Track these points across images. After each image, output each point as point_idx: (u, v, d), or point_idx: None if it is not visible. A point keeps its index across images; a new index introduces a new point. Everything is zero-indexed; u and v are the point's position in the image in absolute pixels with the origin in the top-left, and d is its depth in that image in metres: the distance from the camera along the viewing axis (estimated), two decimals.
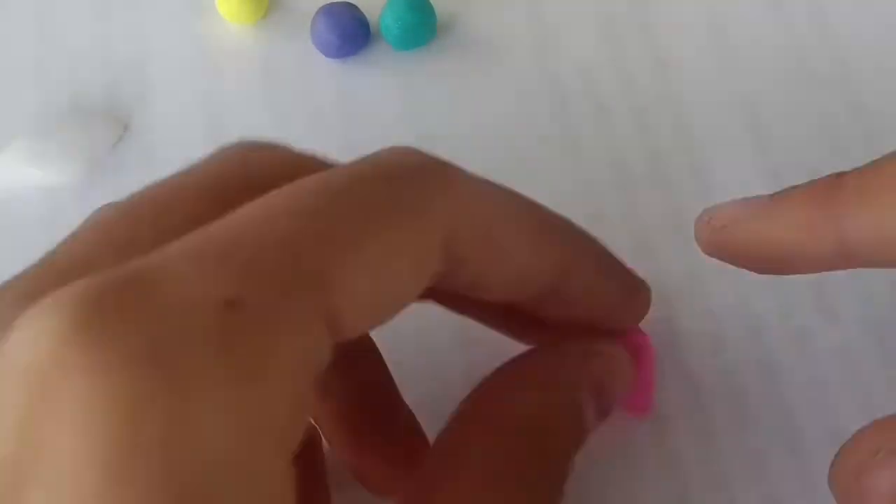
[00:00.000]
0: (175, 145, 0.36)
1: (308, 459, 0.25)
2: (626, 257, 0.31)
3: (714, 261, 0.28)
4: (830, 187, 0.24)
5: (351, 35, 0.36)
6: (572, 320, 0.26)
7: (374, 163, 0.22)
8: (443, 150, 0.35)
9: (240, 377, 0.17)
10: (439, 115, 0.36)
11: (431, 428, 0.27)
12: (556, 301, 0.25)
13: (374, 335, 0.28)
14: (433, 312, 0.27)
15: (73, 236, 0.23)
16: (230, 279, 0.18)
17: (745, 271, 0.27)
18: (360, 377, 0.27)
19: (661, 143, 0.35)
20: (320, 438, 0.27)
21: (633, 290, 0.27)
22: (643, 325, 0.29)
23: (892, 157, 0.23)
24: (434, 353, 0.32)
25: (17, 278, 0.22)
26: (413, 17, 0.35)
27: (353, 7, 0.36)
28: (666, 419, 0.31)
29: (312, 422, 0.27)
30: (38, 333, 0.17)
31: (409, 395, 0.29)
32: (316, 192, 0.20)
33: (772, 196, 0.25)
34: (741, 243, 0.25)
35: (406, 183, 0.21)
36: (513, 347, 0.28)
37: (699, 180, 0.34)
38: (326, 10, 0.36)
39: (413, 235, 0.20)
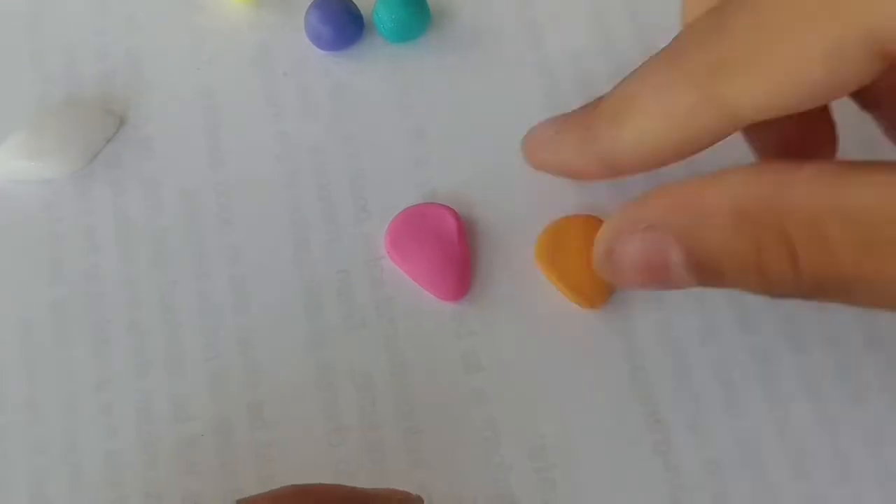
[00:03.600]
0: (171, 138, 0.36)
1: None
2: None
3: None
4: (590, 114, 0.28)
5: (344, 28, 0.36)
6: None
7: None
8: (436, 142, 0.35)
9: None
10: (432, 107, 0.36)
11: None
12: None
13: None
14: None
15: None
16: None
17: None
18: None
19: None
20: None
21: None
22: None
23: (633, 78, 0.28)
24: None
25: None
26: (406, 10, 0.36)
27: (347, 0, 0.36)
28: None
29: None
30: None
31: None
32: None
33: (557, 120, 0.30)
34: (541, 164, 0.31)
35: None
36: None
37: (689, 168, 0.35)
38: (320, 3, 0.36)
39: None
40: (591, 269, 0.29)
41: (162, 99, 0.36)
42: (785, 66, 0.24)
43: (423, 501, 0.28)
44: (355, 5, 0.36)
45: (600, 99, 0.28)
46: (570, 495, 0.31)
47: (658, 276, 0.26)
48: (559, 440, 0.32)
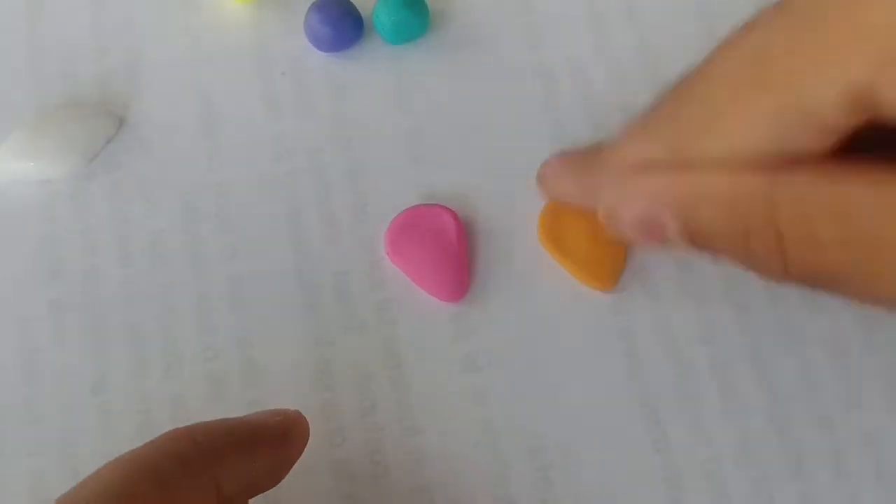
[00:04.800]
0: (170, 138, 0.36)
1: None
2: None
3: None
4: (594, 163, 0.30)
5: (344, 29, 0.36)
6: None
7: None
8: (434, 143, 0.35)
9: None
10: (431, 108, 0.36)
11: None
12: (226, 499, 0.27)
13: None
14: None
15: None
16: None
17: None
18: None
19: None
20: None
21: (286, 433, 0.29)
22: None
23: (619, 140, 0.29)
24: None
25: None
26: (406, 11, 0.36)
27: (346, 1, 0.36)
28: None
29: None
30: None
31: None
32: None
33: (563, 160, 0.32)
34: (553, 194, 0.32)
35: None
36: None
37: None
38: (319, 4, 0.36)
39: None
40: (597, 245, 0.32)
41: (161, 99, 0.36)
42: (733, 137, 0.25)
43: (302, 417, 0.29)
44: (355, 6, 0.36)
45: (600, 149, 0.30)
46: (569, 494, 0.31)
47: (654, 238, 0.28)
48: (558, 440, 0.32)
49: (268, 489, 0.28)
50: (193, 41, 0.37)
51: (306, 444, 0.29)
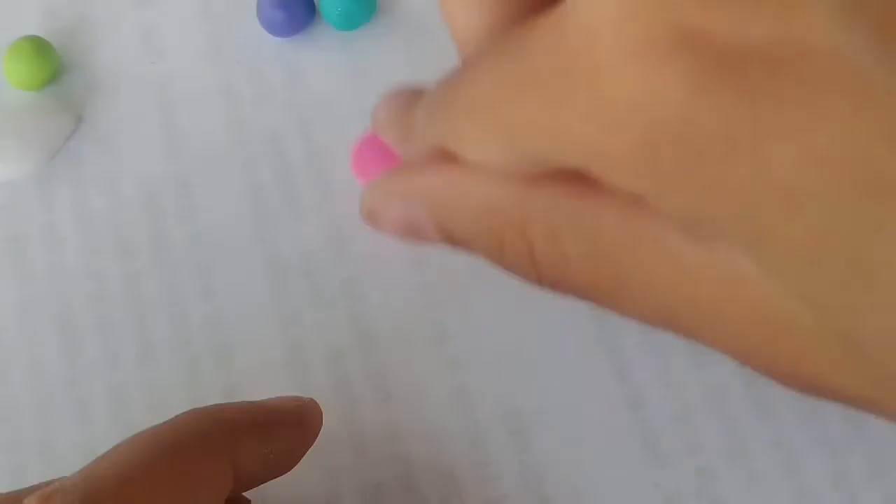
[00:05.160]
0: (129, 133, 0.36)
1: None
2: None
3: None
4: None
5: (296, 13, 0.36)
6: None
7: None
8: None
9: None
10: (391, 84, 0.36)
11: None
12: (242, 483, 0.28)
13: None
14: None
15: None
16: None
17: None
18: None
19: None
20: None
21: (302, 419, 0.29)
22: None
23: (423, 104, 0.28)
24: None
25: None
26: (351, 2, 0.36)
27: None
28: None
29: None
30: None
31: None
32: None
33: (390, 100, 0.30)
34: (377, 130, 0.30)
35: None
36: None
37: None
38: None
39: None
40: None
41: (117, 95, 0.36)
42: (492, 144, 0.24)
43: (316, 404, 0.29)
44: None
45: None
46: (546, 457, 0.31)
47: (414, 237, 0.27)
48: (532, 401, 0.32)
49: (282, 474, 0.29)
50: (146, 33, 0.37)
51: (320, 429, 0.29)
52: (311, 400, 0.29)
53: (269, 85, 0.36)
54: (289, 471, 0.29)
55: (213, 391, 0.32)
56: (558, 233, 0.24)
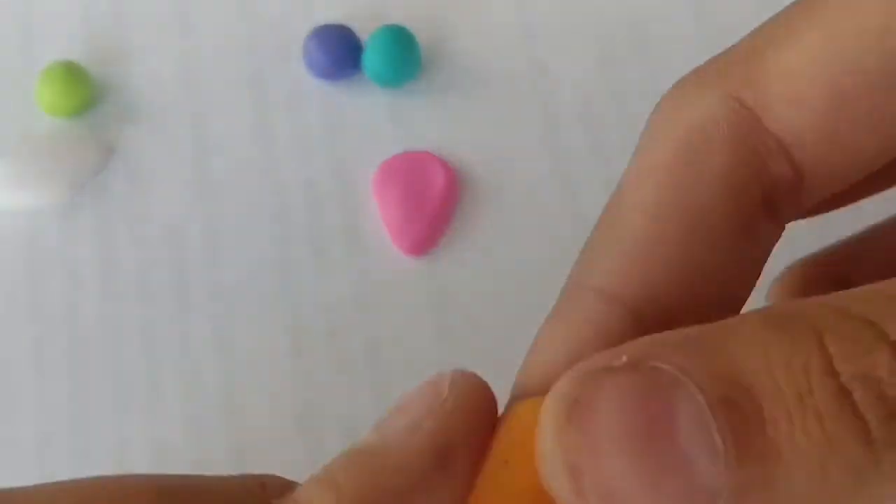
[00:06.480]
0: (160, 169, 0.35)
1: None
2: None
3: None
4: None
5: (342, 57, 0.35)
6: None
7: None
8: None
9: None
10: (431, 137, 0.35)
11: None
12: None
13: None
14: None
15: None
16: None
17: None
18: None
19: None
20: None
21: None
22: None
23: None
24: None
25: None
26: (395, 55, 0.35)
27: (346, 29, 0.35)
28: None
29: None
30: None
31: None
32: None
33: None
34: None
35: None
36: None
37: None
38: (319, 32, 0.35)
39: None
40: None
41: (151, 127, 0.35)
42: None
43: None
44: (355, 35, 0.35)
45: None
46: None
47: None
48: None
49: None
50: (185, 68, 0.36)
51: None
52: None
53: (306, 130, 0.35)
54: None
55: (218, 448, 0.31)
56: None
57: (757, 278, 0.22)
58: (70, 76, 0.35)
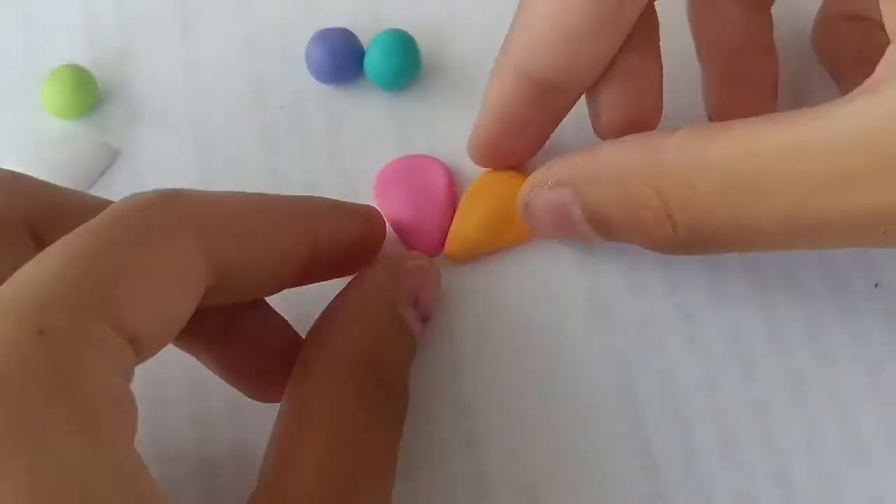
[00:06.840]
0: (165, 172, 0.35)
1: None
2: (617, 292, 0.31)
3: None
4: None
5: (344, 61, 0.35)
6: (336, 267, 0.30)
7: (117, 207, 0.25)
8: None
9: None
10: (433, 140, 0.35)
11: None
12: (316, 263, 0.28)
13: None
14: None
15: None
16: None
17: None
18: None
19: None
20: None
21: (370, 218, 0.31)
22: None
23: None
24: None
25: None
26: (397, 59, 0.35)
27: (348, 33, 0.36)
28: None
29: None
30: None
31: None
32: (84, 235, 0.23)
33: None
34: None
35: (146, 212, 0.25)
36: None
37: None
38: (321, 36, 0.36)
39: (169, 250, 0.24)
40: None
41: (156, 130, 0.36)
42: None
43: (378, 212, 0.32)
44: (357, 39, 0.36)
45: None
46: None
47: (564, 228, 0.30)
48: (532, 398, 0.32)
49: (350, 272, 0.30)
50: (188, 71, 0.37)
51: (385, 234, 0.32)
52: (373, 208, 0.31)
53: (309, 133, 0.35)
54: (355, 272, 0.30)
55: (220, 447, 0.31)
56: (689, 176, 0.26)
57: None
58: (76, 79, 0.35)
